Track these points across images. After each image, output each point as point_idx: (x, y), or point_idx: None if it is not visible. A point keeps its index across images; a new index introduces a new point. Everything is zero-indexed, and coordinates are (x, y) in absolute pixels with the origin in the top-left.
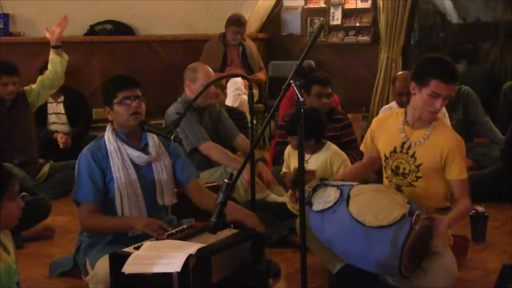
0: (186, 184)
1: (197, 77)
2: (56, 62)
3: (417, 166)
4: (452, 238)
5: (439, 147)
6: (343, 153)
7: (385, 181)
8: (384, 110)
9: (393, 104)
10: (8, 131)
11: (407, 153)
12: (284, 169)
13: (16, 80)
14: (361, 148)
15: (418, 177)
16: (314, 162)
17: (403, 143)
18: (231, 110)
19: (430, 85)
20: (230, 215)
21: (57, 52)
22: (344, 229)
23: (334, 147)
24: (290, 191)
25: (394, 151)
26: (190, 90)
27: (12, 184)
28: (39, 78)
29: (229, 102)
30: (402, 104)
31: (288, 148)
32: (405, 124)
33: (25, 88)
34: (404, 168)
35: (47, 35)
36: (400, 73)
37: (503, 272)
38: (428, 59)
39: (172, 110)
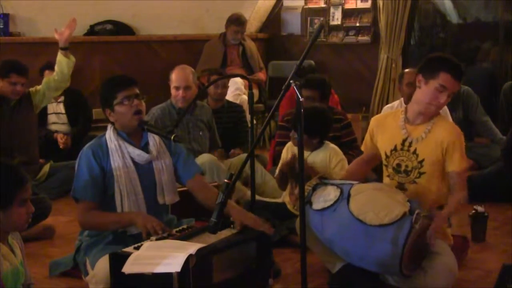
0: (189, 181)
1: (171, 79)
2: (63, 64)
3: (420, 162)
4: (452, 238)
5: (439, 140)
6: (341, 152)
7: (386, 179)
8: (386, 110)
9: (395, 103)
10: (10, 130)
11: (408, 150)
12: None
13: (25, 82)
14: (362, 148)
15: (421, 173)
16: (312, 160)
17: (404, 140)
18: (230, 106)
19: (438, 77)
20: (237, 220)
21: (65, 53)
22: (345, 228)
23: (332, 145)
24: (288, 189)
25: (395, 149)
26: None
27: (23, 190)
28: (45, 79)
29: None
30: (411, 96)
31: (287, 146)
32: (406, 121)
33: (30, 89)
34: (407, 166)
35: (56, 36)
36: (407, 69)
37: (503, 272)
38: (439, 55)
39: (153, 111)
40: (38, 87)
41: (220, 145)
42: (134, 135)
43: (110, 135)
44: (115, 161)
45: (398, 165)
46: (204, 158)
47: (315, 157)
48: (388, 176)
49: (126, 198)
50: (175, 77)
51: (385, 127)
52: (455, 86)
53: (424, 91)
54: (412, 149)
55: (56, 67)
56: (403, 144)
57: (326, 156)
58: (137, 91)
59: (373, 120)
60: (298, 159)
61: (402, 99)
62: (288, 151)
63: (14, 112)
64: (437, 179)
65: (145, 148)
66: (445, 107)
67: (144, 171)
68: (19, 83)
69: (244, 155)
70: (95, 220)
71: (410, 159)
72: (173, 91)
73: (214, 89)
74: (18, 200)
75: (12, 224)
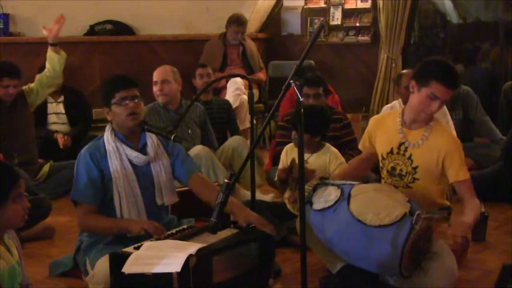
0: (188, 179)
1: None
2: (54, 60)
3: (414, 168)
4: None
5: (436, 149)
6: (341, 155)
7: (381, 181)
8: (385, 110)
9: (395, 103)
10: (7, 131)
11: (403, 154)
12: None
13: (17, 84)
14: (360, 147)
15: (415, 179)
16: (313, 161)
17: (400, 144)
18: (219, 103)
19: (430, 85)
20: (239, 217)
21: (55, 49)
22: (345, 228)
23: (333, 149)
24: (288, 191)
25: (391, 152)
26: None
27: (16, 186)
28: (37, 76)
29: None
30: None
31: (286, 149)
32: (403, 125)
33: (24, 87)
34: (401, 170)
35: (45, 32)
36: (405, 70)
37: (503, 272)
38: (434, 61)
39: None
40: (31, 85)
41: (216, 146)
42: (132, 136)
43: (107, 136)
44: (113, 164)
45: (393, 168)
46: (197, 150)
47: (315, 160)
48: (383, 178)
49: (125, 200)
50: (154, 74)
51: (384, 129)
52: (447, 95)
53: (417, 98)
54: (407, 154)
55: (47, 64)
56: (399, 148)
57: (326, 159)
58: (136, 92)
59: (372, 121)
60: (298, 161)
61: (400, 99)
62: (288, 154)
63: (10, 112)
64: (431, 185)
65: (143, 149)
66: (444, 107)
67: (143, 173)
68: (11, 86)
69: (235, 137)
70: (94, 224)
71: (405, 163)
72: (153, 88)
73: (199, 79)
74: (13, 196)
75: (8, 221)
